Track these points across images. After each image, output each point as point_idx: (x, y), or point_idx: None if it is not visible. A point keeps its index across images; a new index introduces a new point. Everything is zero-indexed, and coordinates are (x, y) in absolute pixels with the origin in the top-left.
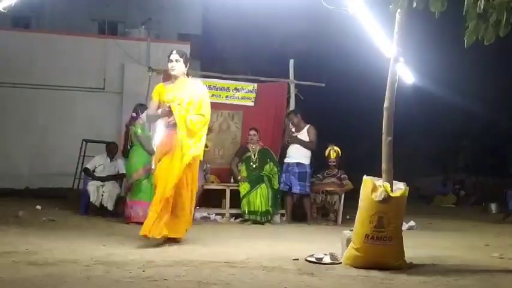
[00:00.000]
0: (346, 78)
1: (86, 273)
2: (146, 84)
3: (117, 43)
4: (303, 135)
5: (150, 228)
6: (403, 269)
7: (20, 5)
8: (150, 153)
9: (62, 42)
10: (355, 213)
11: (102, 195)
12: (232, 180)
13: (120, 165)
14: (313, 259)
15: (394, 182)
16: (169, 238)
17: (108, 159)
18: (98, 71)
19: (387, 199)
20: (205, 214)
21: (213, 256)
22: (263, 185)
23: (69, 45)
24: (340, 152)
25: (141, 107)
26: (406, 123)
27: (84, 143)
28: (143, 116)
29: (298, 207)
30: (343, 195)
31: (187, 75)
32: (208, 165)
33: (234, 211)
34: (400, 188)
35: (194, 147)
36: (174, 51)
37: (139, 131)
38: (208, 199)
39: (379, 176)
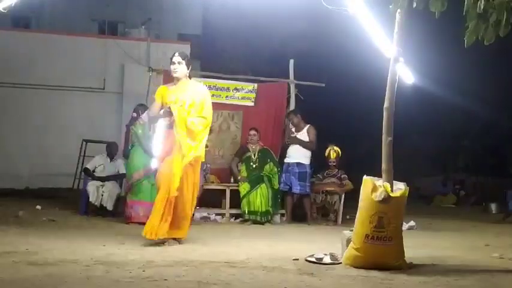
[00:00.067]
0: (346, 78)
1: (86, 273)
2: (146, 84)
3: (117, 43)
4: (303, 135)
5: (156, 230)
6: (403, 269)
7: (20, 5)
8: (149, 154)
9: (61, 43)
10: (355, 213)
11: (102, 195)
12: (232, 180)
13: (120, 165)
14: (313, 259)
15: (394, 182)
16: (171, 238)
17: (108, 159)
18: (98, 71)
19: (387, 199)
20: (205, 214)
21: (213, 256)
22: (263, 185)
23: (69, 46)
24: (340, 152)
25: (142, 107)
26: (406, 123)
27: (84, 143)
28: (144, 116)
29: (298, 207)
30: (343, 195)
31: (189, 77)
32: (208, 165)
33: (234, 211)
34: (400, 188)
35: (195, 149)
36: (177, 54)
37: (139, 131)
38: (208, 199)
39: (379, 176)
